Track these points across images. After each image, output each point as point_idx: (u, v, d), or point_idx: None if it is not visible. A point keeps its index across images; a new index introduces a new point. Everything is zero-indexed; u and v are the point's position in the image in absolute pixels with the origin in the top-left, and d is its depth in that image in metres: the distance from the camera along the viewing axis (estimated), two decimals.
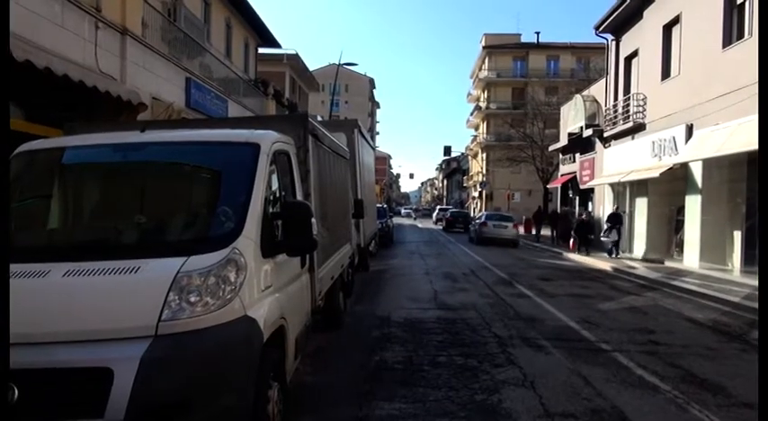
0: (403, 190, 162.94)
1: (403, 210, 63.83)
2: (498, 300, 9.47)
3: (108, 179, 4.01)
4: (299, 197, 4.54)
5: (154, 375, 2.61)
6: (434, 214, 47.44)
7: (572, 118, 23.18)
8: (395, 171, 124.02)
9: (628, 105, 18.05)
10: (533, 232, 26.51)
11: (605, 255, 16.93)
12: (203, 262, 2.97)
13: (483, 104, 51.50)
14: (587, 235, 18.44)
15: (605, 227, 17.30)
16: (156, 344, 2.70)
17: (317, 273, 4.93)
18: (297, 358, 4.22)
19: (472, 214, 37.26)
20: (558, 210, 24.80)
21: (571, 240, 19.30)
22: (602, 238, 17.37)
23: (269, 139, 3.99)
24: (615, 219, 17.00)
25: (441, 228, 36.84)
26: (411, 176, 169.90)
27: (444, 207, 56.56)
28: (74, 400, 2.59)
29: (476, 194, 54.28)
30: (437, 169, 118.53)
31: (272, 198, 3.85)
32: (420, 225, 37.92)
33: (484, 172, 49.22)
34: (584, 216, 19.38)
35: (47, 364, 2.60)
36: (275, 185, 3.97)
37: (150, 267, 2.93)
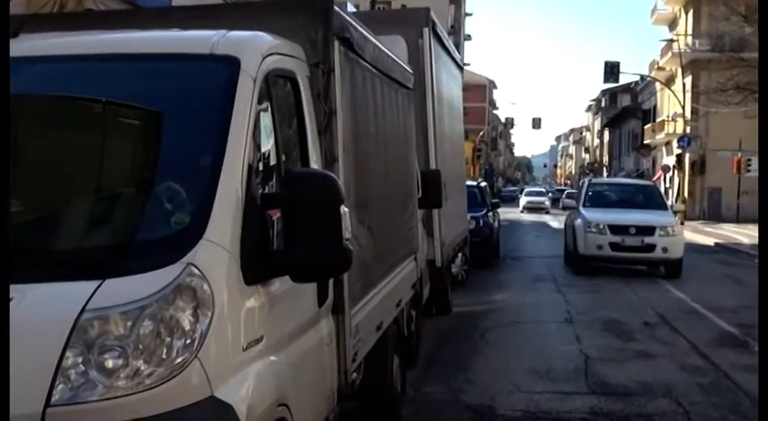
0: (518, 152, 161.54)
1: (527, 200, 50.44)
2: (719, 376, 9.41)
3: None
4: (316, 164, 4.58)
5: None
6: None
7: None
8: (502, 114, 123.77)
9: None
10: None
11: None
12: (131, 291, 3.03)
13: None
14: None
15: None
16: None
17: (348, 317, 4.97)
18: None
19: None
20: None
21: None
22: None
23: (257, 49, 4.05)
24: None
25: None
26: (536, 124, 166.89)
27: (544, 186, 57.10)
28: None
29: (669, 161, 53.24)
30: (588, 110, 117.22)
31: (262, 166, 3.89)
32: (554, 223, 37.86)
33: (687, 116, 48.24)
34: None
35: None
36: (269, 141, 4.02)
37: (31, 300, 3.02)
